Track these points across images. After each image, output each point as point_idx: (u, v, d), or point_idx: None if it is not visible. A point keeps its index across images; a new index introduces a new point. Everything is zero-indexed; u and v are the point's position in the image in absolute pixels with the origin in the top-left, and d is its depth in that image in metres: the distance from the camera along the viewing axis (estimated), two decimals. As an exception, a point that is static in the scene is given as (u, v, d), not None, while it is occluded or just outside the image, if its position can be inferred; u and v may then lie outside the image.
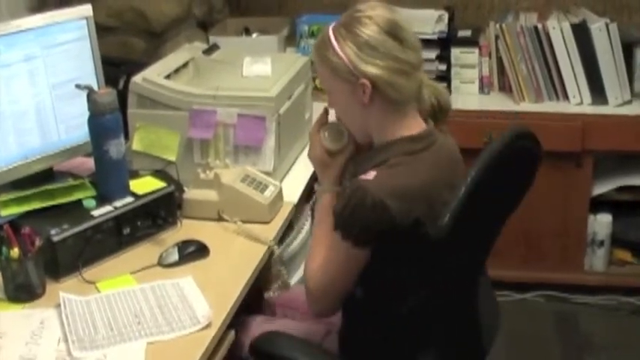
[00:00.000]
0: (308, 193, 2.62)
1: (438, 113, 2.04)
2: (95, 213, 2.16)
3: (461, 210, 1.80)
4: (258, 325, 2.21)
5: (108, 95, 2.23)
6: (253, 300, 2.26)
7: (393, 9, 1.94)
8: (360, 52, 1.87)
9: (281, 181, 2.55)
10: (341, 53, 1.88)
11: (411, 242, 1.86)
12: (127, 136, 2.42)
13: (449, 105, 2.08)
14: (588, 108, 3.58)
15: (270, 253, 2.22)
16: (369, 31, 1.87)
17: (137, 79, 2.54)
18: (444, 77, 3.69)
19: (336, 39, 1.89)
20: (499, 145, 1.91)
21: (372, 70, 1.87)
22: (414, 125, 1.95)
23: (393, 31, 1.88)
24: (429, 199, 1.86)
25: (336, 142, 2.06)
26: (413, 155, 1.90)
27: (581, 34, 3.51)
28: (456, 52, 3.70)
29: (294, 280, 2.45)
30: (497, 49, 3.66)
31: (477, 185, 1.82)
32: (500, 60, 3.67)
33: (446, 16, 3.77)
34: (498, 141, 1.92)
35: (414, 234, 1.84)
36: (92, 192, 2.29)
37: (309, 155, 2.12)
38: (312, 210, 2.22)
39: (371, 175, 1.85)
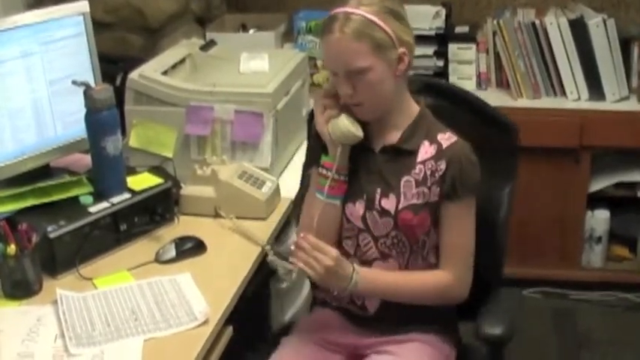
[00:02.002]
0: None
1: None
2: (92, 209, 2.16)
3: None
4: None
5: (105, 91, 2.23)
6: (258, 291, 2.26)
7: None
8: (398, 22, 1.94)
9: (278, 177, 2.55)
10: (385, 26, 1.91)
11: None
12: (124, 133, 2.42)
13: None
14: (586, 104, 3.57)
15: (265, 254, 2.21)
16: (393, 4, 1.95)
17: (134, 75, 2.53)
18: (442, 73, 3.68)
19: (372, 14, 1.91)
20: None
21: (408, 38, 1.97)
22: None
23: (401, 4, 2.00)
24: None
25: (358, 128, 2.01)
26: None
27: (579, 30, 3.50)
28: (453, 48, 3.69)
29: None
30: (495, 45, 3.65)
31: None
32: (497, 56, 3.67)
33: (443, 12, 3.77)
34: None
35: None
36: (89, 188, 2.29)
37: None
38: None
39: (452, 136, 2.03)
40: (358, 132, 2.00)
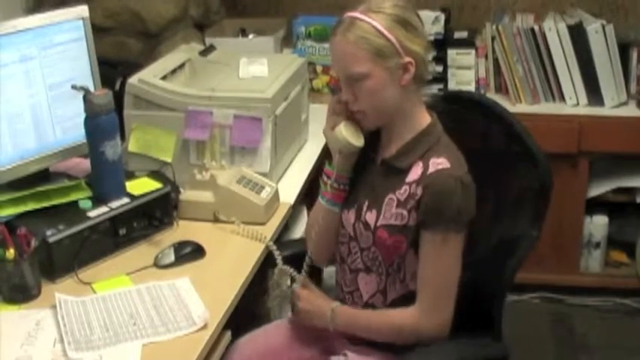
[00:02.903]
0: (305, 194, 2.63)
1: None
2: (91, 214, 2.16)
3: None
4: None
5: (104, 96, 2.23)
6: (253, 306, 2.27)
7: None
8: (406, 31, 1.90)
9: (277, 182, 2.55)
10: (387, 32, 1.88)
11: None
12: (123, 137, 2.42)
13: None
14: (584, 109, 3.58)
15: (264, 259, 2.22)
16: (402, 11, 1.92)
17: (133, 80, 2.54)
18: (441, 79, 3.69)
19: (376, 20, 1.89)
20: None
21: (416, 48, 1.92)
22: (426, 110, 2.03)
23: (416, 13, 1.96)
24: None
25: (358, 138, 2.02)
26: (445, 135, 2.02)
27: (578, 35, 3.51)
28: (452, 54, 3.70)
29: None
30: (494, 51, 3.66)
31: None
32: (496, 61, 3.67)
33: (442, 17, 3.77)
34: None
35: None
36: (88, 193, 2.29)
37: None
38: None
39: (444, 162, 1.92)
40: (356, 142, 2.00)
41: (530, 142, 2.08)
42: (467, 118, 2.18)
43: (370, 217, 2.01)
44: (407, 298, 1.99)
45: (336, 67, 1.99)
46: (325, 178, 2.10)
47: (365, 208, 2.02)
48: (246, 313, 2.27)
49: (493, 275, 2.07)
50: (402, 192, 1.95)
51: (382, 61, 1.90)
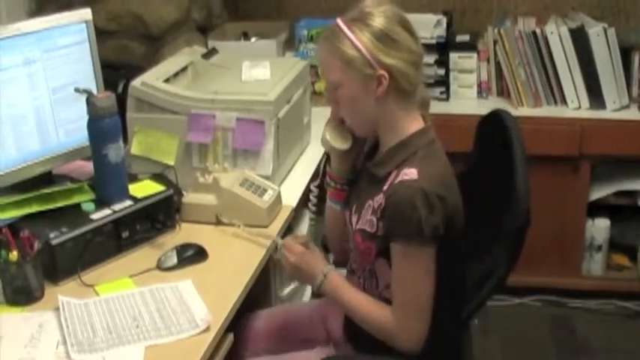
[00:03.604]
0: (307, 197, 2.63)
1: (424, 107, 2.07)
2: (94, 216, 2.17)
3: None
4: None
5: (107, 99, 2.23)
6: (257, 299, 2.27)
7: (394, 4, 1.98)
8: (380, 43, 1.89)
9: (280, 185, 2.55)
10: (359, 44, 1.89)
11: (454, 229, 1.91)
12: (125, 140, 2.42)
13: (429, 97, 2.13)
14: (586, 112, 3.58)
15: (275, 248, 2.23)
16: (385, 22, 1.90)
17: (136, 83, 2.54)
18: (443, 82, 3.70)
19: (351, 31, 1.90)
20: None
21: (390, 61, 1.89)
22: (418, 119, 2.01)
23: (404, 23, 1.94)
24: (456, 184, 1.95)
25: (343, 141, 2.06)
26: (432, 145, 1.97)
27: (580, 38, 3.52)
28: (454, 57, 3.71)
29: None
30: (496, 54, 3.66)
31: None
32: (498, 65, 3.68)
33: (444, 20, 3.78)
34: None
35: (457, 218, 1.92)
36: (91, 195, 2.29)
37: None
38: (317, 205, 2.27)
39: (413, 173, 1.87)
40: (339, 145, 2.06)
41: (521, 179, 2.07)
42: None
43: (354, 220, 2.04)
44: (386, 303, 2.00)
45: (321, 72, 2.03)
46: (327, 178, 2.17)
47: (353, 211, 2.06)
48: (249, 315, 2.28)
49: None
50: (378, 199, 1.95)
51: (352, 72, 1.91)
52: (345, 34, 1.90)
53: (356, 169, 2.15)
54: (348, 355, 2.15)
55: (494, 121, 2.21)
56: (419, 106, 2.02)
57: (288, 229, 2.46)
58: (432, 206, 1.83)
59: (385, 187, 1.94)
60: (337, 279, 2.06)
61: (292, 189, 2.58)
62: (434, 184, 1.86)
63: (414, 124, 1.99)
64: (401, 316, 1.93)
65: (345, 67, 1.91)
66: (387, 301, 1.97)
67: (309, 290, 2.81)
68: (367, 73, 1.90)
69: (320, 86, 3.61)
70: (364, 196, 2.02)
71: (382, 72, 1.89)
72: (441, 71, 3.69)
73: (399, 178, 1.89)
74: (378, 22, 1.90)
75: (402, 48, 1.91)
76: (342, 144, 2.07)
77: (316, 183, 2.24)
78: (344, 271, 2.16)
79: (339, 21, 1.93)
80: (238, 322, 2.07)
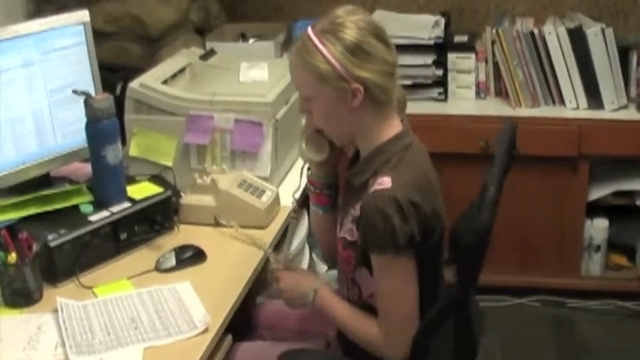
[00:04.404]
0: (304, 199, 2.62)
1: (400, 109, 2.04)
2: (92, 218, 2.17)
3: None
4: (257, 352, 2.23)
5: (105, 101, 2.24)
6: (249, 305, 2.27)
7: (367, 13, 1.94)
8: (353, 56, 1.84)
9: (278, 186, 2.55)
10: (332, 59, 1.84)
11: (431, 233, 1.89)
12: (124, 142, 2.42)
13: (406, 99, 2.09)
14: (584, 113, 3.58)
15: (266, 260, 2.22)
16: (358, 35, 1.85)
17: (134, 84, 2.54)
18: (441, 82, 3.69)
19: (324, 45, 1.84)
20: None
21: (365, 74, 1.85)
22: (395, 124, 1.97)
23: (379, 34, 1.89)
24: (435, 187, 1.93)
25: (319, 152, 2.07)
26: (407, 150, 1.93)
27: (577, 39, 3.51)
28: (452, 58, 3.70)
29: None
30: (494, 55, 3.66)
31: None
32: (496, 65, 3.68)
33: (442, 21, 3.78)
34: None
35: (434, 223, 1.89)
36: (89, 197, 2.29)
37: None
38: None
39: (387, 182, 1.84)
40: (316, 157, 2.08)
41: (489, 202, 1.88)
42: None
43: (339, 227, 2.04)
44: (371, 311, 1.98)
45: (293, 84, 2.01)
46: (307, 183, 2.19)
47: (340, 219, 2.06)
48: (248, 316, 2.28)
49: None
50: (357, 208, 1.92)
51: (325, 86, 1.86)
52: (318, 48, 1.85)
53: (335, 172, 2.15)
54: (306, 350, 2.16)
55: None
56: (396, 109, 1.99)
57: (286, 230, 2.45)
58: (405, 214, 1.81)
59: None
60: (326, 295, 2.05)
61: (290, 190, 2.57)
62: (407, 190, 1.83)
63: (389, 130, 1.95)
64: (386, 328, 1.92)
65: (317, 82, 1.87)
66: (372, 309, 1.96)
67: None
68: (341, 87, 1.86)
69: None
70: (347, 205, 2.02)
71: (356, 85, 1.85)
72: (439, 72, 3.68)
73: (373, 188, 1.86)
74: (351, 34, 1.84)
75: (376, 60, 1.86)
76: (319, 155, 2.06)
77: (297, 193, 2.27)
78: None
79: (311, 33, 1.87)
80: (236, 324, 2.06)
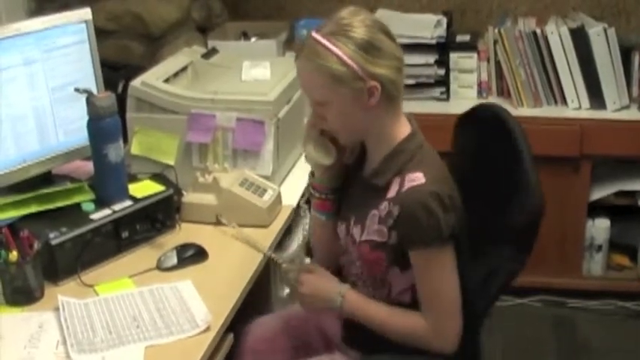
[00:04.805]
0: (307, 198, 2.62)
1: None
2: (94, 216, 2.17)
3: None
4: None
5: (107, 99, 2.23)
6: (258, 300, 2.26)
7: (369, 12, 1.94)
8: (366, 54, 1.83)
9: (280, 185, 2.55)
10: (347, 59, 1.82)
11: (462, 225, 1.92)
12: (125, 140, 2.42)
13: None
14: (586, 113, 3.58)
15: (268, 260, 2.22)
16: (367, 32, 1.84)
17: (136, 82, 2.54)
18: (443, 82, 3.69)
19: (336, 46, 1.83)
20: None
21: (380, 70, 1.85)
22: (404, 121, 1.98)
23: (386, 30, 1.89)
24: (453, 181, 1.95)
25: (328, 155, 2.02)
26: (422, 147, 1.95)
27: (580, 38, 3.51)
28: (454, 57, 3.70)
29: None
30: (496, 54, 3.66)
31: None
32: (498, 65, 3.68)
33: (444, 20, 3.78)
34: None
35: (463, 216, 1.92)
36: (91, 195, 2.29)
37: None
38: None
39: (420, 177, 1.86)
40: (324, 160, 2.02)
41: (531, 168, 2.01)
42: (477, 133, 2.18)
43: (356, 231, 2.00)
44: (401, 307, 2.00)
45: (302, 90, 1.98)
46: (311, 188, 2.14)
47: (352, 223, 2.02)
48: (250, 314, 2.27)
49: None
50: (383, 208, 1.92)
51: (341, 87, 1.85)
52: (330, 49, 1.83)
53: (339, 176, 2.09)
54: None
55: (483, 117, 2.21)
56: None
57: (288, 229, 2.45)
58: (446, 206, 1.84)
59: (390, 195, 1.91)
60: (355, 297, 2.02)
61: (292, 189, 2.58)
62: (442, 184, 1.87)
63: (401, 129, 1.96)
64: (434, 319, 1.93)
65: (332, 84, 1.85)
66: (401, 305, 1.98)
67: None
68: (357, 86, 1.84)
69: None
70: (364, 207, 1.98)
71: (373, 83, 1.84)
72: (441, 71, 3.69)
73: (408, 185, 1.87)
74: (360, 32, 1.83)
75: (387, 55, 1.86)
76: (328, 159, 2.01)
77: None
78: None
79: (319, 36, 1.85)
80: (236, 327, 2.05)
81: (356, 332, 2.06)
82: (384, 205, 1.92)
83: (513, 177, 2.01)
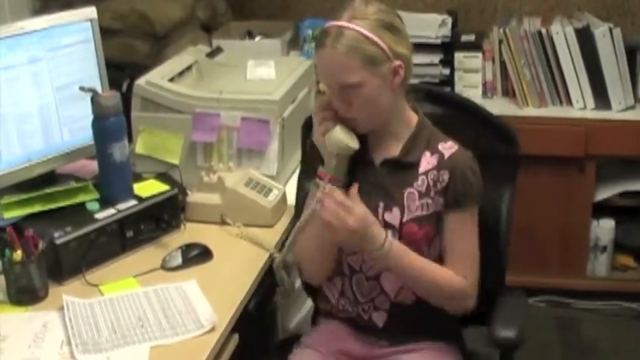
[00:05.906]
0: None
1: None
2: (98, 216, 2.16)
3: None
4: None
5: (112, 98, 2.23)
6: (265, 299, 2.26)
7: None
8: (391, 33, 1.91)
9: (285, 184, 2.55)
10: (376, 39, 1.88)
11: None
12: (130, 139, 2.42)
13: None
14: (591, 113, 3.57)
15: (271, 260, 2.21)
16: (386, 15, 1.93)
17: (141, 82, 2.54)
18: (448, 81, 3.69)
19: (364, 28, 1.88)
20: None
21: (402, 50, 1.94)
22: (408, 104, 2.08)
23: (397, 14, 1.98)
24: None
25: (354, 140, 1.99)
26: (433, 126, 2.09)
27: (585, 38, 3.51)
28: (459, 57, 3.70)
29: (298, 282, 2.44)
30: (501, 54, 3.65)
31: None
32: (503, 64, 3.67)
33: (449, 20, 3.77)
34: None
35: None
36: (95, 195, 2.29)
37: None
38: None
39: (453, 145, 2.02)
40: (353, 144, 1.99)
41: (493, 117, 2.28)
42: (436, 112, 2.23)
43: (391, 216, 2.00)
44: None
45: (328, 78, 1.97)
46: (318, 180, 2.02)
47: (381, 210, 2.01)
48: (255, 315, 2.27)
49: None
50: (420, 183, 2.00)
51: (374, 68, 1.90)
52: (360, 32, 1.88)
53: (348, 167, 2.04)
54: None
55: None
56: None
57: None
58: (478, 168, 2.02)
59: (425, 169, 2.01)
60: (397, 242, 1.98)
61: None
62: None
63: (410, 110, 2.07)
64: (472, 277, 2.03)
65: (366, 65, 1.89)
66: (407, 300, 2.07)
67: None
68: (387, 66, 1.91)
69: (324, 86, 3.60)
70: (396, 188, 2.01)
71: (398, 62, 1.92)
72: (446, 71, 3.68)
73: (448, 153, 2.00)
74: (381, 15, 1.92)
75: (405, 36, 1.97)
76: (354, 143, 1.99)
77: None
78: None
79: (344, 23, 1.89)
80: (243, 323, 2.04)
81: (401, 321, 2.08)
82: (421, 180, 2.00)
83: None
